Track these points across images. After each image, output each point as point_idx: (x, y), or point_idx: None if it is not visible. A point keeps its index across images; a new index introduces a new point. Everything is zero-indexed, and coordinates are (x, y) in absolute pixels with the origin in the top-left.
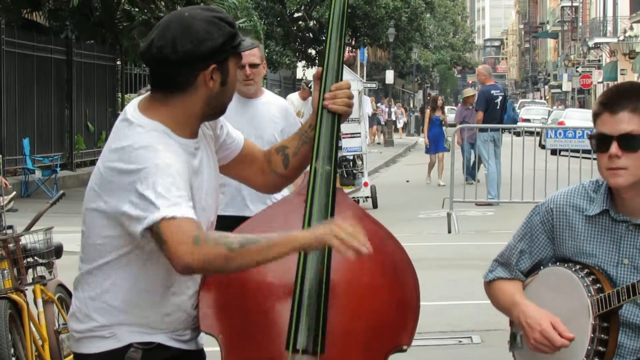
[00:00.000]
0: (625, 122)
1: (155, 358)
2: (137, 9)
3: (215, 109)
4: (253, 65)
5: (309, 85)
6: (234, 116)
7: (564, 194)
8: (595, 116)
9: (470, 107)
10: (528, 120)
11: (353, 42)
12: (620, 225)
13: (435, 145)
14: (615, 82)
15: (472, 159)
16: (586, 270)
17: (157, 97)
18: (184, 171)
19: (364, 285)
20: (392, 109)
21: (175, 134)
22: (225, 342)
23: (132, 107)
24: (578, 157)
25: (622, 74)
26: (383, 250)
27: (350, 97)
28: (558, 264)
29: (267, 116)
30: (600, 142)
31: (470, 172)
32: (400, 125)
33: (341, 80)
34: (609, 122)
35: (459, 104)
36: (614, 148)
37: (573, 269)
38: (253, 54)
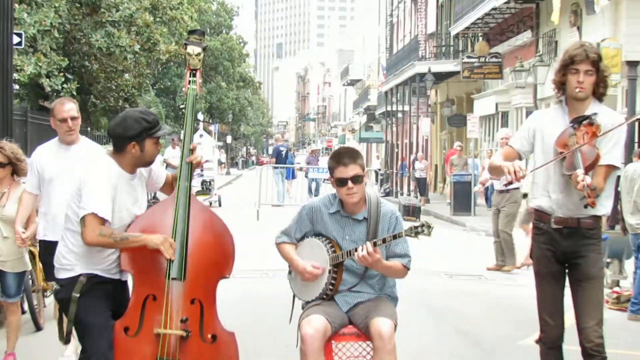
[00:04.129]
0: (353, 169)
1: (93, 282)
2: (99, 101)
3: (141, 163)
4: (73, 118)
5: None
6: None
7: (318, 200)
8: (333, 168)
9: (314, 155)
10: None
11: (210, 121)
12: (345, 218)
13: None
14: (343, 145)
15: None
16: (328, 241)
17: (114, 152)
18: (110, 185)
19: (207, 240)
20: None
21: (120, 167)
22: (134, 277)
23: (105, 151)
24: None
25: (347, 140)
26: (217, 226)
27: (198, 160)
28: (314, 237)
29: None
30: (341, 182)
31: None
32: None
33: (192, 142)
34: (344, 171)
35: (309, 153)
36: (350, 184)
37: (321, 240)
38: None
